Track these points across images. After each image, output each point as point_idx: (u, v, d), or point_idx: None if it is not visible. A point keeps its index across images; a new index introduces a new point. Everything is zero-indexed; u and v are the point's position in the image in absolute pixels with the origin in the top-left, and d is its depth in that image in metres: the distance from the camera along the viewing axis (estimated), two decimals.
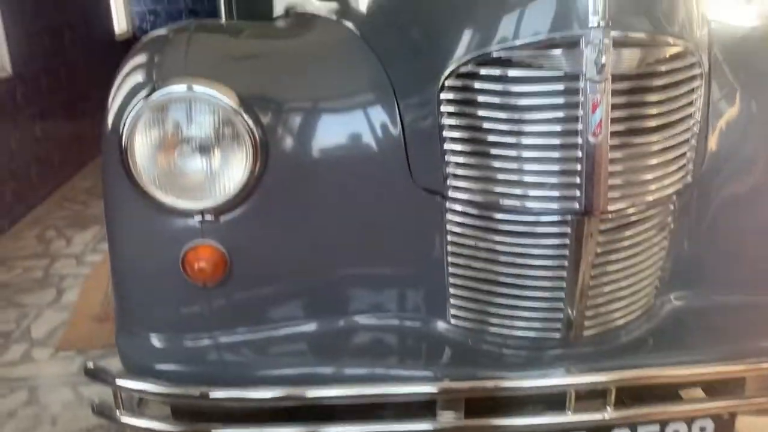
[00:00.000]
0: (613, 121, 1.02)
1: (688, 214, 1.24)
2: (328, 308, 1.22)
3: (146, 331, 1.21)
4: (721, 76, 1.27)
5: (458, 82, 1.08)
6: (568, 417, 1.12)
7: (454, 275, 1.18)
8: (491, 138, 1.07)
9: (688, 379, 1.21)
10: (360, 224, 1.18)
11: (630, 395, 1.18)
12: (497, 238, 1.12)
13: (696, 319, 1.27)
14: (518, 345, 1.18)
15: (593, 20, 0.99)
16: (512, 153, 1.06)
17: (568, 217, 1.07)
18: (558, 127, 1.03)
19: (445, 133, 1.10)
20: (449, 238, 1.16)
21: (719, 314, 1.28)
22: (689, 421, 1.18)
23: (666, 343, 1.22)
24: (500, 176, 1.08)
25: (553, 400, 1.13)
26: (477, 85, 1.06)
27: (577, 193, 1.05)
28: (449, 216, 1.14)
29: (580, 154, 1.03)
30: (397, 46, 1.20)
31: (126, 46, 4.97)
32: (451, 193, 1.12)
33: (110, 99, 1.16)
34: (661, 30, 1.05)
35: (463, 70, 1.07)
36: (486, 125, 1.07)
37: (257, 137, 1.10)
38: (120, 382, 1.13)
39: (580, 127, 1.02)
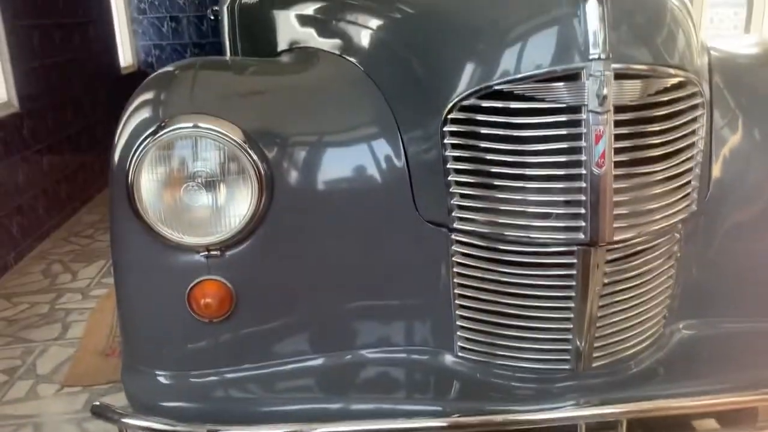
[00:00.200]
0: (617, 151, 1.03)
1: (695, 242, 1.24)
2: (334, 342, 1.21)
3: (152, 368, 1.21)
4: (723, 103, 1.28)
5: (461, 115, 1.09)
6: None
7: (461, 307, 1.17)
8: (495, 170, 1.07)
9: (700, 410, 1.19)
10: (366, 258, 1.18)
11: (641, 426, 1.16)
12: (503, 269, 1.11)
13: (706, 347, 1.26)
14: (527, 377, 1.17)
15: (594, 52, 1.00)
16: (517, 184, 1.07)
17: (574, 248, 1.07)
18: (562, 158, 1.04)
19: (449, 166, 1.11)
20: (455, 270, 1.15)
21: (729, 342, 1.27)
22: None
23: (677, 373, 1.21)
24: (505, 208, 1.08)
25: None
26: (480, 117, 1.07)
27: (583, 223, 1.05)
28: (455, 248, 1.14)
29: (584, 184, 1.03)
30: (399, 80, 1.21)
31: (131, 79, 5.04)
32: (456, 225, 1.12)
33: (117, 135, 1.17)
34: (662, 61, 1.06)
35: (465, 103, 1.08)
36: (490, 157, 1.07)
37: (262, 172, 1.11)
38: (126, 420, 1.12)
39: (583, 157, 1.02)
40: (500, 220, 1.09)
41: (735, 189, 1.25)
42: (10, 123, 3.37)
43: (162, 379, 1.20)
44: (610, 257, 1.09)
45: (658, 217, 1.09)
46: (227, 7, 2.32)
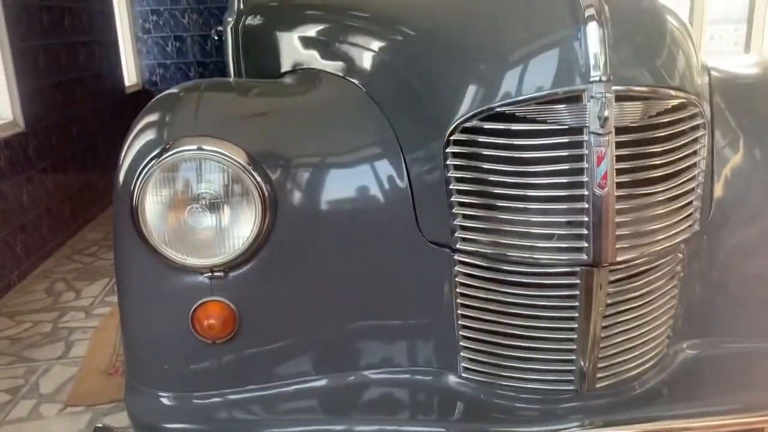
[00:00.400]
0: (619, 172, 1.03)
1: (698, 262, 1.24)
2: (337, 363, 1.21)
3: (155, 389, 1.21)
4: (724, 123, 1.28)
5: (464, 137, 1.09)
6: None
7: (464, 328, 1.17)
8: (497, 191, 1.08)
9: (704, 431, 1.18)
10: (369, 278, 1.18)
11: None
12: (506, 290, 1.12)
13: (710, 368, 1.26)
14: (531, 398, 1.16)
15: (595, 75, 1.01)
16: (519, 205, 1.07)
17: (577, 269, 1.07)
18: (564, 180, 1.04)
19: (452, 187, 1.11)
20: (458, 290, 1.15)
21: (733, 363, 1.27)
22: None
23: (680, 394, 1.21)
24: (508, 229, 1.08)
25: None
26: (482, 139, 1.08)
27: (585, 244, 1.05)
28: (458, 268, 1.14)
29: (586, 205, 1.03)
30: (402, 102, 1.22)
31: (135, 98, 5.08)
32: (459, 246, 1.13)
33: (122, 156, 1.18)
34: (663, 82, 1.07)
35: (468, 125, 1.08)
36: (492, 178, 1.08)
37: (266, 194, 1.11)
38: None
39: (585, 179, 1.03)
40: (503, 241, 1.09)
41: (737, 209, 1.26)
42: (16, 142, 3.39)
43: (165, 400, 1.20)
44: (612, 278, 1.09)
45: (660, 237, 1.10)
46: (231, 28, 2.34)
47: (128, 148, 1.18)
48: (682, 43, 1.17)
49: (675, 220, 1.12)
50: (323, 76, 1.44)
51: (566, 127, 1.03)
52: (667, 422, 1.12)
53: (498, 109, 1.06)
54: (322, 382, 1.21)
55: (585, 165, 1.02)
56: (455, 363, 1.20)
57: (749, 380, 1.25)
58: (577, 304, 1.09)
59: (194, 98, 1.26)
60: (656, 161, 1.07)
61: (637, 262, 1.10)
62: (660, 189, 1.09)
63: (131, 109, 5.38)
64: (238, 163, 1.10)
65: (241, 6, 2.32)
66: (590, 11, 1.03)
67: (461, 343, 1.18)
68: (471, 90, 1.10)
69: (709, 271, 1.26)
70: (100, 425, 1.16)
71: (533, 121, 1.05)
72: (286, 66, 1.71)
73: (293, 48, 1.72)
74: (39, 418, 2.19)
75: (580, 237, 1.05)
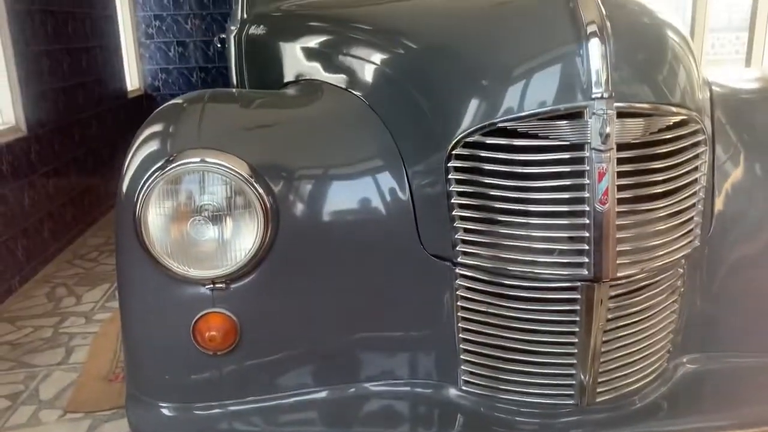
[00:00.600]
0: (620, 188, 1.04)
1: (698, 277, 1.24)
2: (338, 375, 1.21)
3: (156, 399, 1.21)
4: (725, 138, 1.29)
5: (465, 151, 1.10)
6: None
7: (465, 341, 1.17)
8: (499, 206, 1.08)
9: None
10: (370, 291, 1.19)
11: None
12: (507, 304, 1.12)
13: (710, 382, 1.26)
14: (531, 412, 1.17)
15: (597, 91, 1.02)
16: (520, 220, 1.08)
17: (578, 284, 1.07)
18: (565, 195, 1.05)
19: (454, 201, 1.12)
20: (459, 304, 1.16)
21: (734, 377, 1.27)
22: None
23: (680, 408, 1.21)
24: (509, 243, 1.09)
25: None
26: (484, 154, 1.08)
27: (586, 259, 1.05)
28: (459, 282, 1.15)
29: (587, 221, 1.04)
30: (404, 115, 1.22)
31: (137, 102, 5.09)
32: (460, 260, 1.13)
33: (125, 166, 1.18)
34: (664, 99, 1.08)
35: (470, 139, 1.09)
36: (493, 193, 1.08)
37: (268, 206, 1.12)
38: None
39: (586, 194, 1.03)
40: (504, 255, 1.09)
41: (738, 223, 1.26)
42: (18, 147, 3.40)
43: (165, 411, 1.20)
44: (613, 293, 1.09)
45: (661, 253, 1.10)
46: (234, 37, 2.35)
47: (132, 157, 1.18)
48: (684, 58, 1.18)
49: (676, 235, 1.12)
50: (325, 87, 1.44)
51: (568, 143, 1.03)
52: None
53: (500, 124, 1.07)
54: (323, 394, 1.21)
55: (586, 181, 1.03)
56: (456, 376, 1.20)
57: (749, 395, 1.26)
58: (577, 318, 1.09)
59: (198, 109, 1.26)
60: (657, 177, 1.08)
61: (637, 277, 1.10)
62: (661, 205, 1.09)
63: (133, 114, 5.40)
64: (241, 175, 1.10)
65: (245, 15, 2.33)
66: (592, 27, 1.04)
67: (462, 356, 1.18)
68: (473, 104, 1.10)
69: (710, 286, 1.26)
70: None
71: (535, 136, 1.05)
72: (288, 76, 1.72)
73: (296, 59, 1.72)
74: (38, 424, 2.19)
75: (581, 252, 1.05)
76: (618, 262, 1.05)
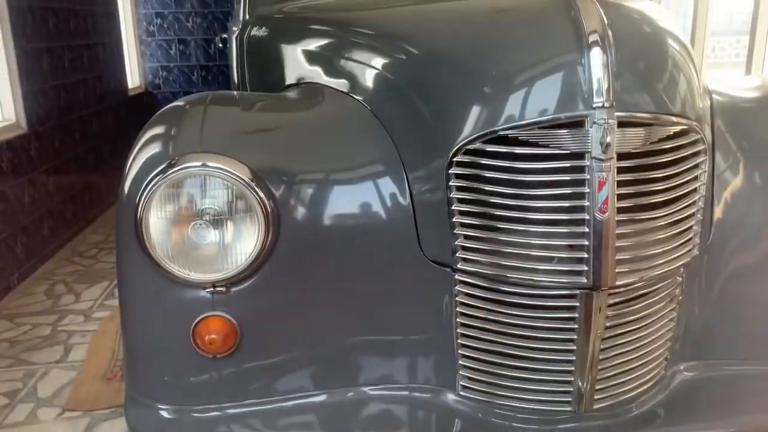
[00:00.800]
0: (619, 197, 1.04)
1: (697, 285, 1.25)
2: (337, 379, 1.22)
3: (155, 402, 1.21)
4: (725, 147, 1.29)
5: (466, 159, 1.10)
6: None
7: (464, 347, 1.18)
8: (499, 213, 1.09)
9: None
10: (370, 295, 1.19)
11: None
12: (506, 310, 1.12)
13: (707, 390, 1.27)
14: (528, 418, 1.17)
15: (598, 101, 1.02)
16: (520, 228, 1.08)
17: (577, 292, 1.08)
18: (565, 204, 1.05)
19: (454, 207, 1.12)
20: (458, 309, 1.16)
21: (731, 385, 1.28)
22: None
23: (677, 416, 1.22)
24: (508, 250, 1.09)
25: None
26: (484, 161, 1.09)
27: (585, 267, 1.06)
28: (458, 288, 1.15)
29: (587, 229, 1.04)
30: (405, 120, 1.23)
31: (138, 100, 5.09)
32: (460, 266, 1.14)
33: (127, 168, 1.18)
34: (665, 109, 1.08)
35: (471, 147, 1.09)
36: (494, 200, 1.09)
37: (269, 210, 1.12)
38: None
39: (586, 203, 1.04)
40: (504, 263, 1.10)
41: (737, 232, 1.27)
42: (18, 144, 3.40)
43: (164, 413, 1.20)
44: (612, 301, 1.10)
45: (660, 261, 1.11)
46: (236, 38, 2.35)
47: (133, 160, 1.18)
48: (684, 67, 1.18)
49: (675, 244, 1.13)
50: (327, 91, 1.45)
51: (568, 151, 1.04)
52: None
53: (501, 133, 1.07)
54: (322, 398, 1.22)
55: (586, 190, 1.03)
56: (454, 381, 1.21)
57: (746, 403, 1.26)
58: (576, 326, 1.10)
59: (199, 112, 1.26)
60: (657, 187, 1.08)
61: (636, 285, 1.11)
62: (660, 214, 1.10)
63: (134, 112, 5.40)
64: (242, 180, 1.11)
65: (247, 16, 2.33)
66: (594, 37, 1.04)
67: (460, 362, 1.19)
68: (475, 112, 1.11)
69: (708, 294, 1.27)
70: None
71: (536, 145, 1.06)
72: (290, 79, 1.72)
73: (298, 61, 1.73)
74: (37, 422, 2.19)
75: (580, 260, 1.06)
76: (617, 270, 1.06)
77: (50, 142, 3.79)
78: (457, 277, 1.15)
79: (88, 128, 4.40)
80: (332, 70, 1.51)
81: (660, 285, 1.15)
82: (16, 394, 2.35)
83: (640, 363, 1.18)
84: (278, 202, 1.14)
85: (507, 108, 1.08)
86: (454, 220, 1.13)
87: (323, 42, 1.64)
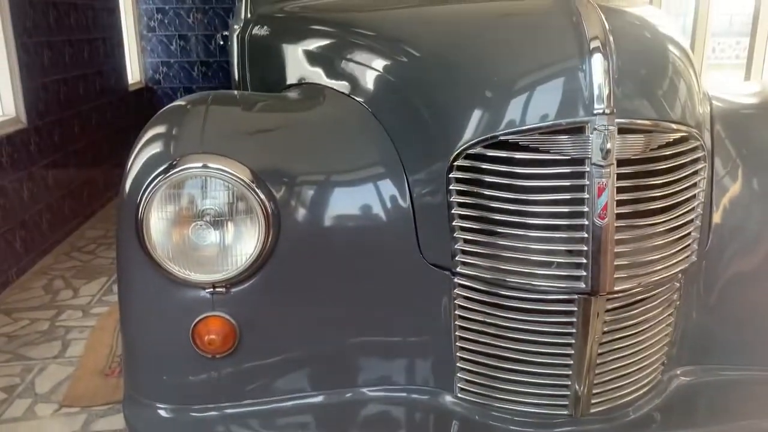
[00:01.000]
0: (619, 203, 1.05)
1: (694, 289, 1.25)
2: (335, 380, 1.22)
3: (154, 401, 1.22)
4: (724, 153, 1.30)
5: (467, 163, 1.11)
6: None
7: (462, 349, 1.18)
8: (498, 217, 1.09)
9: None
10: (369, 297, 1.20)
11: None
12: (505, 314, 1.13)
13: (704, 395, 1.27)
14: (525, 421, 1.18)
15: (599, 107, 1.02)
16: (519, 232, 1.08)
17: (575, 297, 1.08)
18: (564, 209, 1.06)
19: (454, 211, 1.13)
20: (457, 312, 1.17)
21: (727, 390, 1.28)
22: None
23: (674, 420, 1.22)
24: (508, 255, 1.10)
25: None
26: (485, 166, 1.09)
27: (584, 273, 1.06)
28: (457, 291, 1.16)
29: (586, 235, 1.05)
30: (406, 123, 1.23)
31: (138, 95, 5.08)
32: (459, 269, 1.14)
33: (128, 167, 1.19)
34: (665, 116, 1.08)
35: (471, 151, 1.10)
36: (493, 205, 1.09)
37: (270, 211, 1.13)
38: None
39: (586, 209, 1.04)
40: (503, 267, 1.10)
41: (735, 237, 1.27)
42: (18, 139, 3.40)
43: (163, 413, 1.21)
44: (610, 306, 1.10)
45: (658, 267, 1.11)
46: (237, 36, 2.35)
47: (135, 159, 1.19)
48: (684, 72, 1.18)
49: (673, 251, 1.13)
50: (327, 92, 1.45)
51: (568, 157, 1.04)
52: None
53: (502, 137, 1.07)
54: (320, 398, 1.22)
55: (586, 195, 1.04)
56: (452, 383, 1.21)
57: (742, 408, 1.27)
58: (573, 331, 1.10)
59: (201, 112, 1.26)
60: (656, 193, 1.08)
61: (634, 291, 1.11)
62: (659, 220, 1.10)
63: (134, 107, 5.39)
64: (243, 181, 1.11)
65: (248, 15, 2.33)
66: (595, 43, 1.04)
67: (458, 364, 1.19)
68: (476, 116, 1.11)
69: (706, 299, 1.27)
70: None
71: (536, 150, 1.06)
72: (291, 79, 1.72)
73: (299, 62, 1.73)
74: (34, 417, 2.20)
75: (578, 266, 1.06)
76: (615, 276, 1.06)
77: (50, 137, 3.79)
78: (456, 280, 1.15)
79: (87, 123, 4.40)
80: (333, 71, 1.51)
81: (658, 290, 1.16)
82: (13, 390, 2.36)
83: (637, 367, 1.19)
84: (279, 204, 1.14)
85: (508, 113, 1.08)
86: (453, 223, 1.13)
87: (325, 42, 1.64)
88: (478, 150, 1.09)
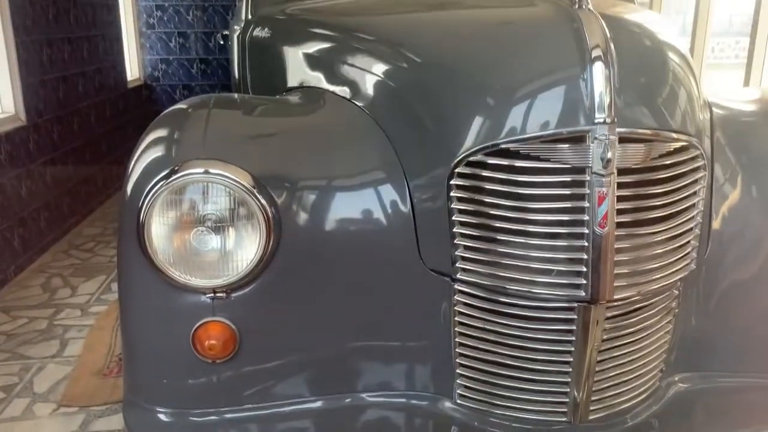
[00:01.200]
0: (619, 212, 1.05)
1: (694, 297, 1.26)
2: (335, 385, 1.23)
3: (153, 405, 1.22)
4: (724, 159, 1.30)
5: (468, 170, 1.11)
6: None
7: (461, 356, 1.19)
8: (499, 225, 1.09)
9: None
10: (369, 303, 1.20)
11: None
12: (504, 321, 1.13)
13: (701, 402, 1.28)
14: (524, 428, 1.18)
15: (599, 117, 1.03)
16: (519, 240, 1.09)
17: (575, 304, 1.09)
18: (564, 217, 1.06)
19: (455, 218, 1.13)
20: (457, 319, 1.17)
21: (724, 397, 1.29)
22: None
23: (672, 427, 1.23)
24: (507, 262, 1.10)
25: None
26: (485, 173, 1.09)
27: (584, 281, 1.07)
28: (457, 297, 1.16)
29: (586, 243, 1.05)
30: (407, 129, 1.23)
31: (137, 92, 5.07)
32: (459, 276, 1.14)
33: (129, 170, 1.19)
34: (665, 125, 1.09)
35: (472, 159, 1.10)
36: (494, 212, 1.09)
37: (270, 216, 1.13)
38: None
39: (586, 217, 1.04)
40: (503, 274, 1.10)
41: (734, 244, 1.27)
42: (17, 136, 3.39)
43: (162, 416, 1.21)
44: (609, 314, 1.11)
45: (658, 276, 1.11)
46: (238, 37, 2.35)
47: (136, 163, 1.19)
48: (684, 80, 1.19)
49: (672, 259, 1.14)
50: (328, 97, 1.45)
51: (569, 166, 1.04)
52: None
53: (503, 145, 1.08)
54: (319, 404, 1.23)
55: (586, 204, 1.04)
56: (451, 389, 1.22)
57: (740, 415, 1.28)
58: (573, 338, 1.11)
59: (202, 116, 1.27)
60: (656, 202, 1.09)
61: (633, 299, 1.11)
62: (659, 229, 1.10)
63: (133, 104, 5.39)
64: (244, 186, 1.11)
65: (249, 16, 2.33)
66: (597, 52, 1.05)
67: (458, 371, 1.20)
68: (477, 124, 1.11)
69: (704, 306, 1.28)
70: None
71: (537, 158, 1.06)
72: (292, 82, 1.72)
73: (300, 65, 1.73)
74: (32, 417, 2.20)
75: (578, 274, 1.07)
76: (615, 284, 1.07)
77: (48, 135, 3.78)
78: (456, 286, 1.16)
79: (86, 121, 4.39)
80: (334, 75, 1.51)
81: (657, 298, 1.16)
82: (12, 389, 2.36)
83: (635, 374, 1.19)
84: (280, 209, 1.14)
85: (509, 121, 1.08)
86: (454, 230, 1.13)
87: (326, 46, 1.64)
88: (479, 157, 1.09)
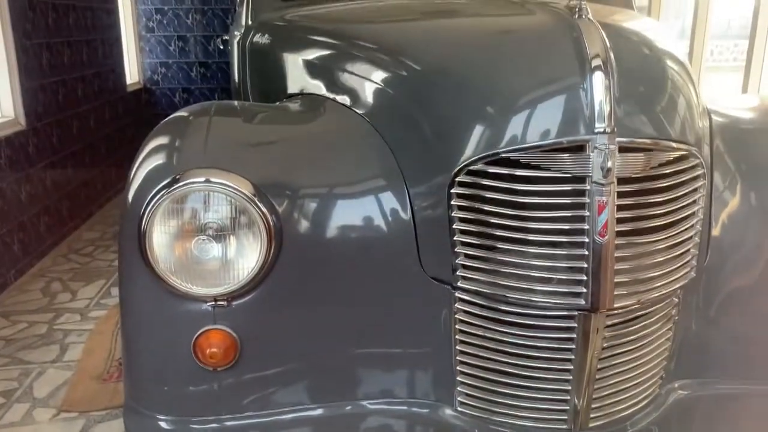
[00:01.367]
0: (619, 221, 1.06)
1: (693, 304, 1.26)
2: (336, 393, 1.23)
3: (154, 412, 1.22)
4: (723, 167, 1.30)
5: (468, 179, 1.11)
6: None
7: (462, 363, 1.19)
8: (499, 233, 1.10)
9: None
10: (370, 311, 1.20)
11: None
12: (504, 329, 1.14)
13: (701, 409, 1.28)
14: None
15: (600, 126, 1.03)
16: (520, 249, 1.09)
17: (575, 313, 1.09)
18: (565, 226, 1.06)
19: (455, 226, 1.13)
20: (457, 326, 1.17)
21: (724, 404, 1.29)
22: None
23: None
24: (508, 270, 1.10)
25: None
26: (486, 182, 1.10)
27: (584, 289, 1.07)
28: (458, 305, 1.16)
29: (586, 252, 1.06)
30: (408, 137, 1.23)
31: (136, 96, 5.08)
32: (459, 284, 1.15)
33: (130, 178, 1.19)
34: (665, 135, 1.09)
35: (473, 167, 1.10)
36: (494, 221, 1.10)
37: (271, 224, 1.13)
38: None
39: (586, 226, 1.05)
40: (503, 282, 1.11)
41: (734, 252, 1.28)
42: (17, 141, 3.39)
43: (163, 424, 1.21)
44: (609, 322, 1.11)
45: (657, 284, 1.12)
46: (238, 42, 2.35)
47: (137, 170, 1.19)
48: (684, 89, 1.19)
49: (673, 267, 1.14)
50: (329, 104, 1.45)
51: (569, 175, 1.05)
52: None
53: (503, 155, 1.08)
54: (320, 411, 1.23)
55: (586, 213, 1.04)
56: (452, 396, 1.22)
57: (740, 422, 1.28)
58: (573, 346, 1.11)
59: (203, 124, 1.27)
60: (656, 211, 1.09)
61: (633, 307, 1.12)
62: (659, 238, 1.11)
63: (132, 108, 5.39)
64: (245, 195, 1.12)
65: (249, 21, 2.33)
66: (597, 61, 1.05)
67: (458, 378, 1.20)
68: (477, 133, 1.12)
69: (704, 313, 1.28)
70: None
71: (537, 168, 1.07)
72: (292, 89, 1.72)
73: (300, 72, 1.73)
74: (32, 422, 2.20)
75: (578, 282, 1.07)
76: (615, 293, 1.07)
77: (48, 139, 3.78)
78: (456, 294, 1.16)
79: (86, 124, 4.39)
80: (334, 83, 1.52)
81: (657, 306, 1.16)
82: (12, 394, 2.36)
83: (635, 382, 1.20)
84: (281, 217, 1.15)
85: (509, 130, 1.09)
86: (455, 238, 1.14)
87: (326, 53, 1.64)
88: (479, 166, 1.10)
